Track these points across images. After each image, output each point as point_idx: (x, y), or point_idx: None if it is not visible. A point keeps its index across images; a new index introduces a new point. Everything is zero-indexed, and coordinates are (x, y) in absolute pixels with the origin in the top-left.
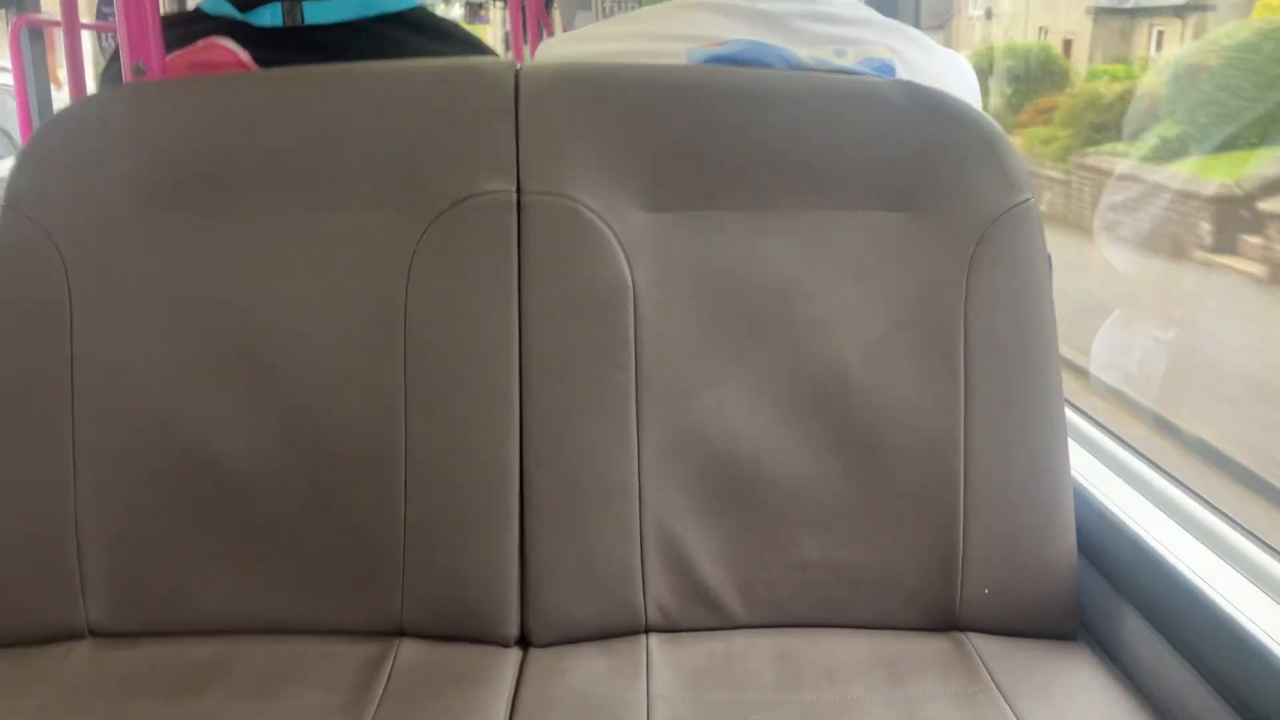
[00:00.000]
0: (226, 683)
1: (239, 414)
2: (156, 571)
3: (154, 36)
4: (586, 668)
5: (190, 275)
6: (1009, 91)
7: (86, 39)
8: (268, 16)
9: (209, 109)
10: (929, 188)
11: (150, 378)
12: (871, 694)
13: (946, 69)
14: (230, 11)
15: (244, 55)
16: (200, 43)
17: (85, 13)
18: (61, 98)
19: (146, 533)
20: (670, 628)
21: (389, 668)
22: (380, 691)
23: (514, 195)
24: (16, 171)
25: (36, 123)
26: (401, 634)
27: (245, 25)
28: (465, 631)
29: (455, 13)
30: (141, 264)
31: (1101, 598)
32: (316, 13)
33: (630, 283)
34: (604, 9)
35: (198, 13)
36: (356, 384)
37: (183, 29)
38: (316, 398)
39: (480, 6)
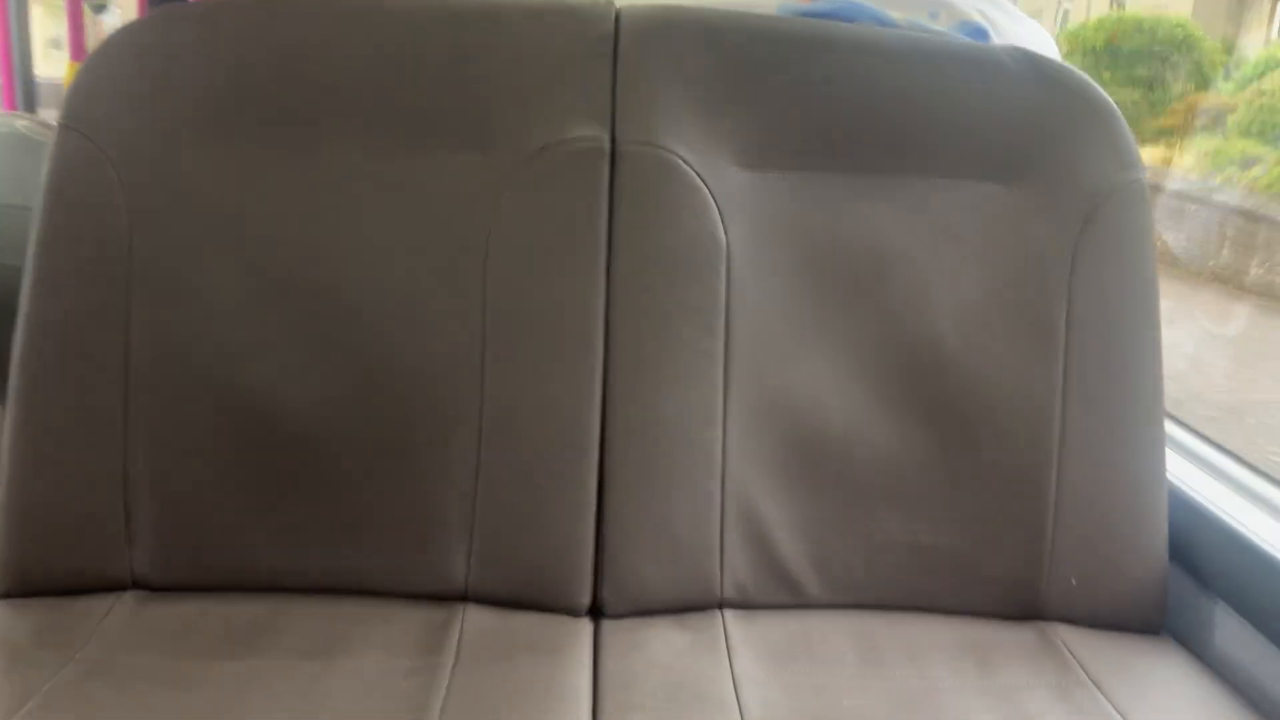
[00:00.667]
0: (281, 643)
1: (304, 361)
2: (207, 522)
3: None
4: (666, 641)
5: (258, 208)
6: (1138, 78)
7: None
8: None
9: (285, 31)
10: (1038, 159)
11: (211, 318)
12: (962, 680)
13: (1031, 39)
14: None
15: None
16: None
17: None
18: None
19: (199, 479)
20: (745, 604)
21: (457, 634)
22: (452, 660)
23: (607, 143)
24: (75, 89)
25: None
26: (465, 599)
27: None
28: (535, 599)
29: None
30: (206, 194)
31: (1188, 593)
32: None
33: (724, 243)
34: None
35: None
36: (432, 333)
37: None
38: (388, 345)
39: None
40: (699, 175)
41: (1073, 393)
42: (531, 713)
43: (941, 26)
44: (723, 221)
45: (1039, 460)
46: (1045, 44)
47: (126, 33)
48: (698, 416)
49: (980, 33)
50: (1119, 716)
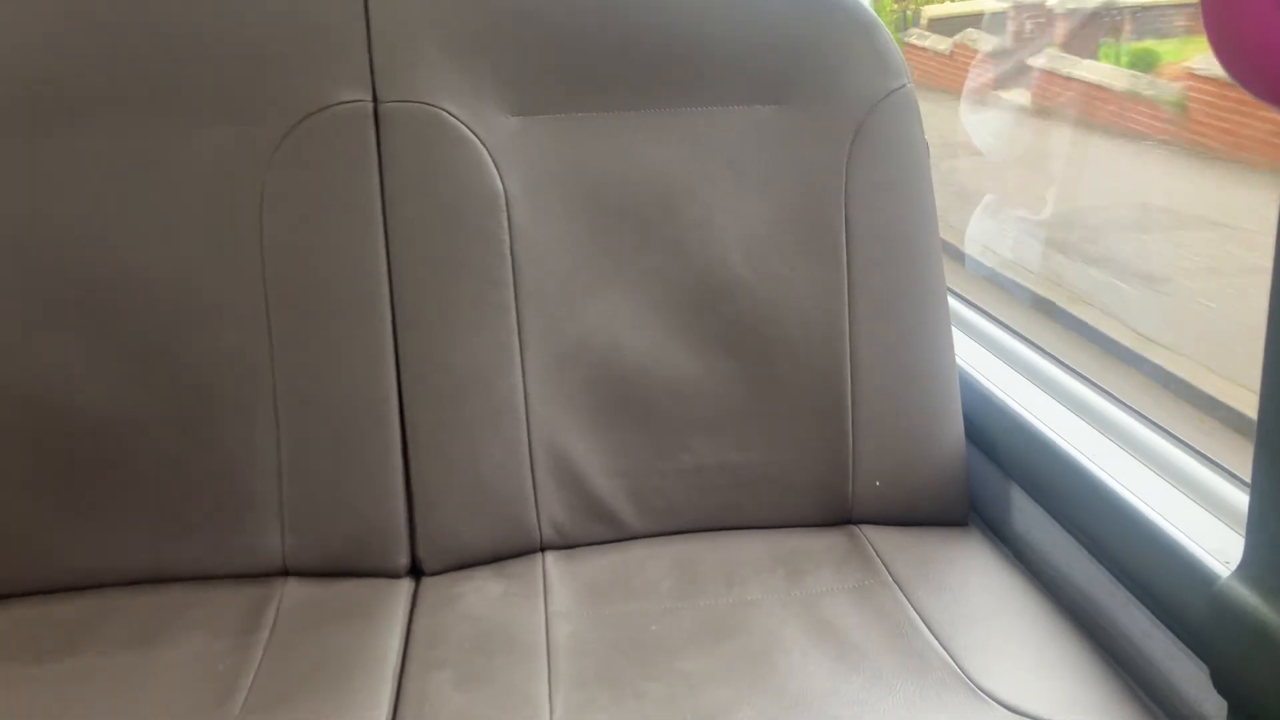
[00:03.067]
0: (102, 638)
1: (88, 353)
2: (13, 528)
3: None
4: (481, 592)
5: (19, 203)
6: None
7: None
8: None
9: (27, 21)
10: (805, 78)
11: None
12: (770, 595)
13: None
14: None
15: None
16: None
17: None
18: None
19: (2, 485)
20: (566, 544)
21: (274, 608)
22: (267, 634)
23: (370, 105)
24: None
25: None
26: (286, 573)
27: None
28: (353, 566)
29: None
30: None
31: (991, 481)
32: None
33: (502, 192)
34: None
35: None
36: (215, 314)
37: None
38: (171, 331)
39: None
40: (468, 127)
41: (859, 302)
42: (337, 679)
43: None
44: (498, 171)
45: (835, 371)
46: None
47: None
48: (495, 367)
49: None
50: (915, 613)
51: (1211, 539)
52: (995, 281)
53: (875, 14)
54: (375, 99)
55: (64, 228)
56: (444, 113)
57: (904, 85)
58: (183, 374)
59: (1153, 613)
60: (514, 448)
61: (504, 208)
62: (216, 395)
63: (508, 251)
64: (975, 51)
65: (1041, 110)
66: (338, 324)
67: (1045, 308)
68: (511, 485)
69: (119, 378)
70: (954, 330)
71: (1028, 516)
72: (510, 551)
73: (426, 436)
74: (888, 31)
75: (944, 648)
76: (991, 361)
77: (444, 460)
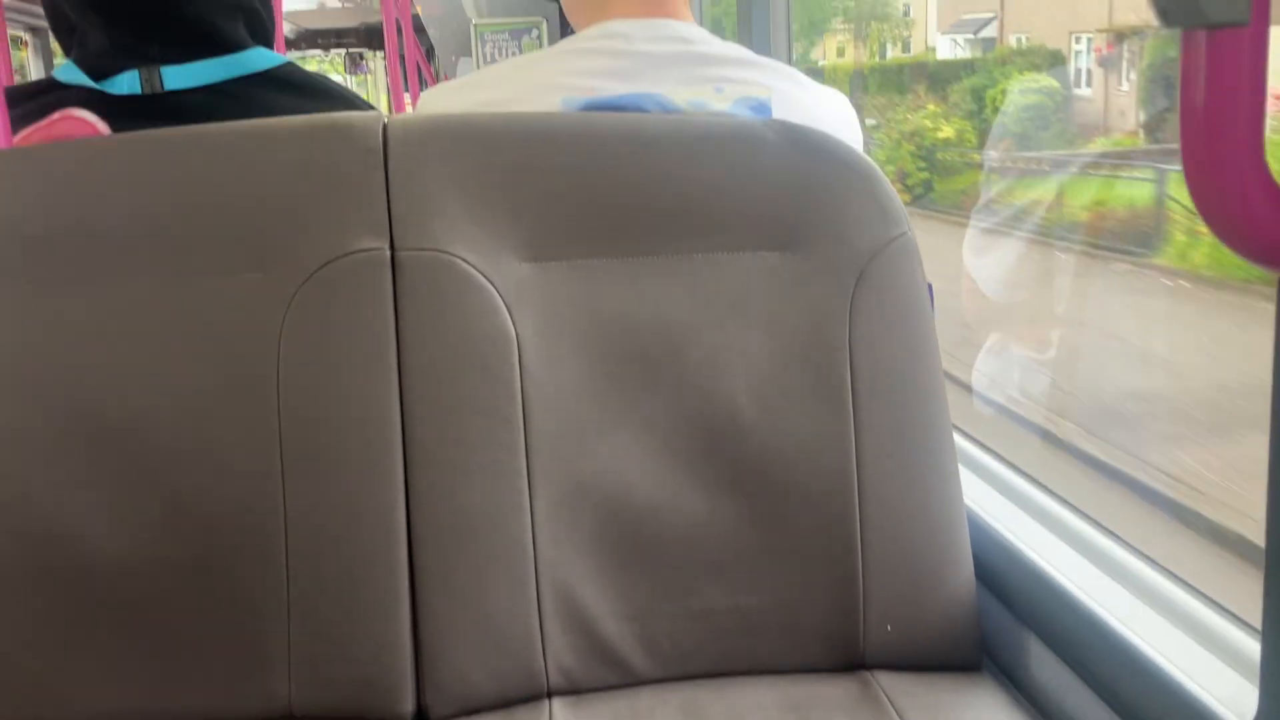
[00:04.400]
0: None
1: (106, 497)
2: (20, 666)
3: None
4: None
5: (43, 351)
6: None
7: None
8: (125, 85)
9: (58, 177)
10: (807, 225)
11: (6, 462)
12: None
13: (825, 106)
14: (85, 80)
15: (102, 127)
16: (56, 115)
17: None
18: None
19: (13, 629)
20: (573, 689)
21: None
22: None
23: (388, 252)
24: None
25: None
26: (290, 717)
27: (102, 94)
28: (359, 711)
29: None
30: None
31: (1004, 626)
32: (177, 78)
33: (514, 335)
34: (485, 55)
35: (51, 82)
36: (229, 457)
37: (37, 100)
38: (186, 473)
39: (360, 57)
40: (481, 273)
41: (865, 444)
42: None
43: (727, 102)
44: (510, 315)
45: (843, 513)
46: (842, 109)
47: None
48: (504, 508)
49: (762, 107)
50: None
51: (1225, 687)
52: None
53: (876, 165)
54: (393, 246)
55: (83, 373)
56: (459, 260)
57: (904, 233)
58: (195, 518)
59: None
60: (523, 589)
61: (515, 350)
62: (228, 539)
63: (518, 392)
64: None
65: None
66: (350, 465)
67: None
68: (519, 629)
69: (132, 521)
70: (962, 470)
71: (1041, 662)
72: (517, 697)
73: (435, 578)
74: (888, 181)
75: None
76: (1000, 501)
77: (452, 602)
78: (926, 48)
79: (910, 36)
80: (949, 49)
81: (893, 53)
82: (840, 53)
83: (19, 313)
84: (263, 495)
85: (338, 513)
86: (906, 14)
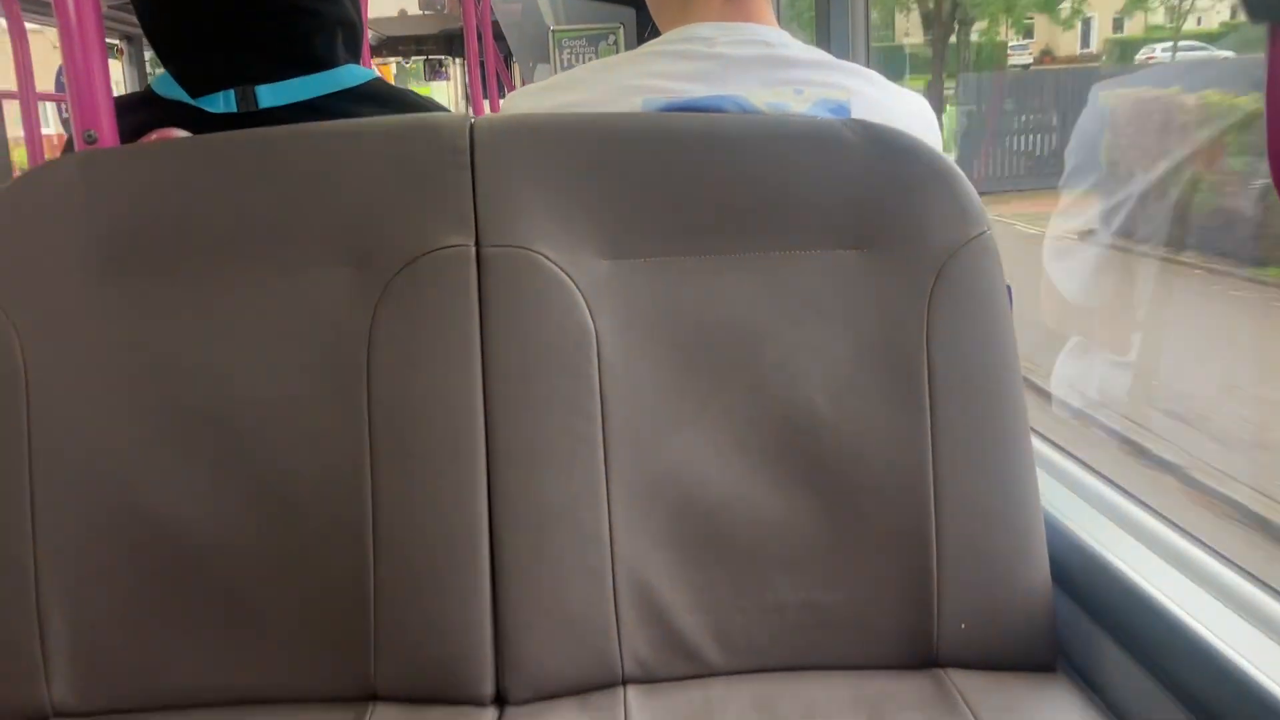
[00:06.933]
0: None
1: (202, 482)
2: (121, 648)
3: (104, 103)
4: None
5: (147, 344)
6: None
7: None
8: (220, 103)
9: (161, 176)
10: (885, 224)
11: (109, 450)
12: None
13: (903, 108)
14: (181, 95)
15: None
16: (153, 135)
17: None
18: None
19: (110, 609)
20: (647, 679)
21: None
22: None
23: (473, 249)
24: None
25: None
26: (375, 698)
27: (198, 111)
28: (440, 692)
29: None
30: (96, 334)
31: (1079, 627)
32: (271, 96)
33: (593, 331)
34: (563, 61)
35: (149, 94)
36: (321, 446)
37: (136, 116)
38: (281, 462)
39: (440, 64)
40: (563, 270)
41: (942, 443)
42: None
43: (806, 104)
44: (590, 311)
45: (918, 512)
46: (921, 110)
47: (13, 188)
48: (582, 500)
49: (841, 109)
50: None
51: None
52: None
53: (952, 162)
54: (478, 243)
55: (182, 361)
56: (541, 256)
57: (984, 231)
58: (289, 502)
59: None
60: (599, 580)
61: (594, 345)
62: (318, 524)
63: (597, 387)
64: None
65: None
66: (435, 455)
67: None
68: (596, 618)
69: (228, 504)
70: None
71: (1116, 664)
72: (593, 684)
73: (515, 567)
74: (967, 181)
75: None
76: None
77: (531, 591)
78: None
79: None
80: None
81: None
82: None
83: (124, 303)
84: (351, 482)
85: (422, 501)
86: None
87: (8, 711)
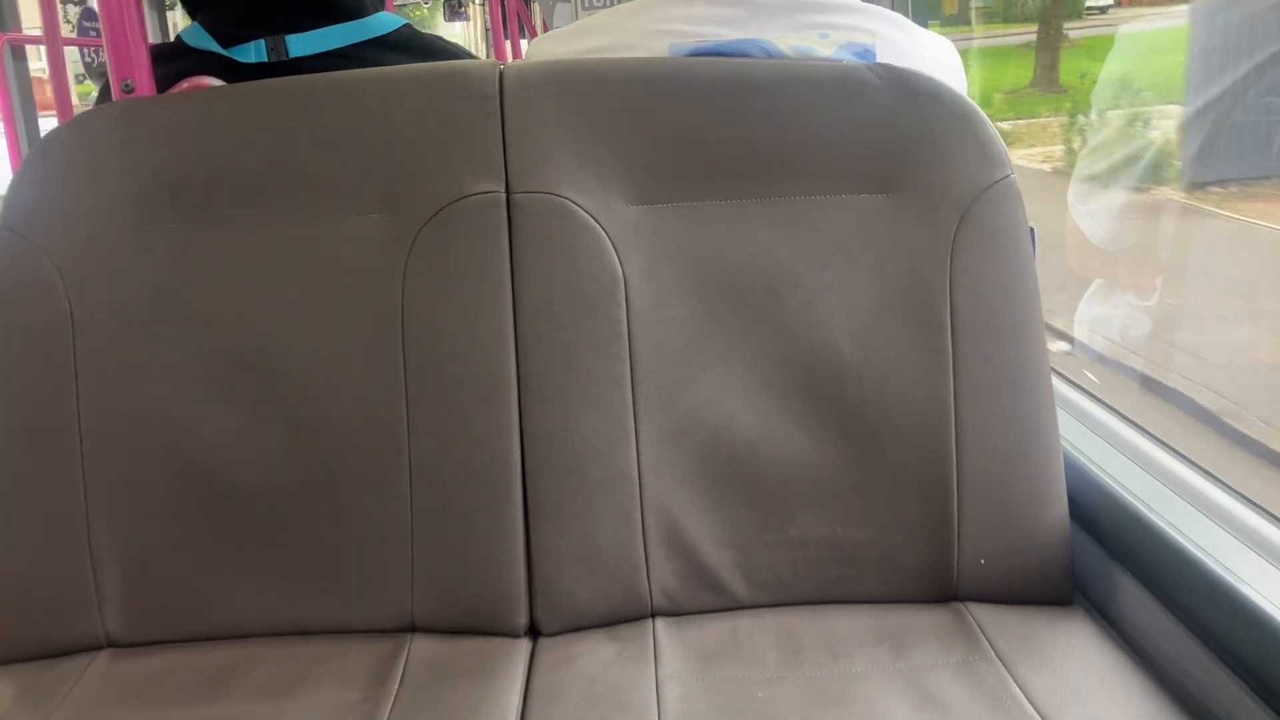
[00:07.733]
0: (245, 686)
1: (244, 422)
2: (170, 581)
3: (140, 53)
4: (595, 654)
5: (188, 287)
6: None
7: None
8: (251, 53)
9: (197, 123)
10: (910, 168)
11: (154, 391)
12: (874, 667)
13: (929, 52)
14: (213, 45)
15: None
16: (185, 83)
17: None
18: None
19: (158, 544)
20: (675, 611)
21: (403, 663)
22: (395, 686)
23: (503, 195)
24: (11, 194)
25: (24, 145)
26: (414, 629)
27: (229, 61)
28: (476, 624)
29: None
30: (139, 278)
31: (1096, 563)
32: (301, 45)
33: (621, 275)
34: (582, 3)
35: (180, 44)
36: (357, 387)
37: (167, 65)
38: (319, 403)
39: (460, 4)
40: (591, 215)
41: (964, 384)
42: None
43: (832, 48)
44: (618, 256)
45: (940, 450)
46: (947, 55)
47: (55, 136)
48: (611, 440)
49: (867, 53)
50: (1019, 690)
51: None
52: None
53: (977, 107)
54: (508, 190)
55: (222, 306)
56: (570, 202)
57: (1007, 175)
58: (325, 442)
59: (1263, 699)
60: (628, 517)
61: (623, 289)
62: (356, 462)
63: (625, 330)
64: None
65: None
66: (469, 396)
67: None
68: (625, 553)
69: (267, 446)
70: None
71: (1132, 598)
72: (622, 616)
73: (547, 504)
74: (990, 123)
75: None
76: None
77: (562, 527)
78: None
79: None
80: None
81: None
82: None
83: (164, 249)
84: (387, 421)
85: (457, 439)
86: None
87: (65, 643)
